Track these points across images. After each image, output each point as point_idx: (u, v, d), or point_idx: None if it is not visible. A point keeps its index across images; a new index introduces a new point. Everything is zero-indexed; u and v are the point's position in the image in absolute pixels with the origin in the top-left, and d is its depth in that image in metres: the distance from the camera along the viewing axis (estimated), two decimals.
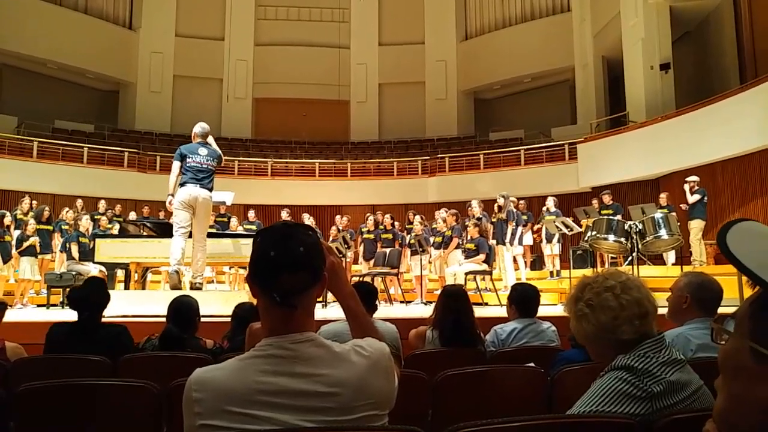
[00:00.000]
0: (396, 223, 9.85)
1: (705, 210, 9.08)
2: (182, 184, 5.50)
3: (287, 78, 19.57)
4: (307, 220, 10.43)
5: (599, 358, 1.45)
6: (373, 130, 19.83)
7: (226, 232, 9.20)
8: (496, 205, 9.11)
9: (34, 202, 9.41)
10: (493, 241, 8.63)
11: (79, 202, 10.68)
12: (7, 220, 8.05)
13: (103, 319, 2.92)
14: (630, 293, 1.38)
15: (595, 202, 10.09)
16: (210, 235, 5.93)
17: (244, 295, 5.31)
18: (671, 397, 1.30)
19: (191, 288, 5.68)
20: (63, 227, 9.12)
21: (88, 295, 2.85)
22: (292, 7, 20.37)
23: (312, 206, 14.08)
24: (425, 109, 19.81)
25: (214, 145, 5.80)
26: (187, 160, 5.53)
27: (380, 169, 16.76)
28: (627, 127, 13.53)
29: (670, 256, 9.24)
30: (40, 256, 8.40)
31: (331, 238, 9.48)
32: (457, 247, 8.21)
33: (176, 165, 5.57)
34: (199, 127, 5.79)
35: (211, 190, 5.63)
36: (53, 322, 2.94)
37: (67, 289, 5.53)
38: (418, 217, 9.28)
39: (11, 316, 6.08)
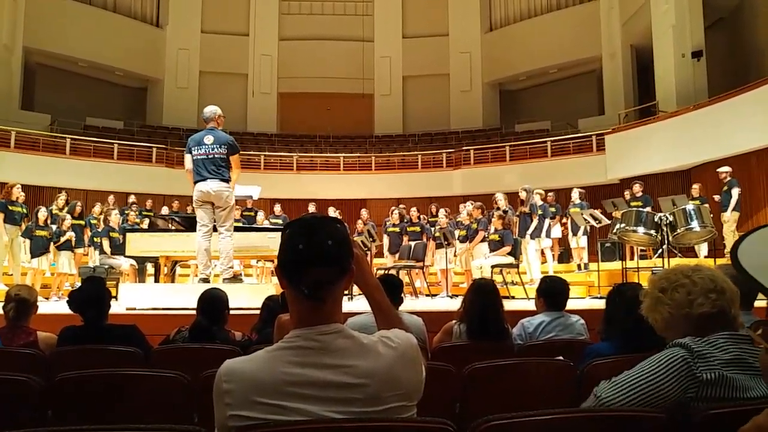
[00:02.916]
0: (422, 216, 9.83)
1: (739, 201, 8.82)
2: (195, 183, 5.26)
3: (311, 72, 19.64)
4: (333, 213, 10.48)
5: None
6: (397, 124, 19.78)
7: (253, 225, 9.31)
8: (519, 198, 9.02)
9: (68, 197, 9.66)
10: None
11: (111, 198, 11.02)
12: (43, 215, 8.28)
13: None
14: (702, 271, 1.40)
15: (627, 193, 9.89)
16: (237, 229, 5.98)
17: (272, 287, 5.36)
18: (723, 391, 1.24)
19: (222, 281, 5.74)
20: (92, 222, 9.35)
21: (88, 297, 2.75)
22: (316, 1, 20.41)
23: (337, 200, 14.14)
24: (450, 102, 19.67)
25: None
26: (193, 153, 5.22)
27: (405, 162, 16.72)
28: (657, 117, 13.22)
29: (702, 249, 9.01)
30: (74, 250, 8.64)
31: (357, 232, 9.50)
32: (482, 240, 8.15)
33: (187, 158, 5.32)
34: (206, 111, 5.39)
35: (225, 179, 5.23)
36: (64, 326, 2.81)
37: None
38: (443, 210, 9.22)
39: (47, 308, 6.26)
